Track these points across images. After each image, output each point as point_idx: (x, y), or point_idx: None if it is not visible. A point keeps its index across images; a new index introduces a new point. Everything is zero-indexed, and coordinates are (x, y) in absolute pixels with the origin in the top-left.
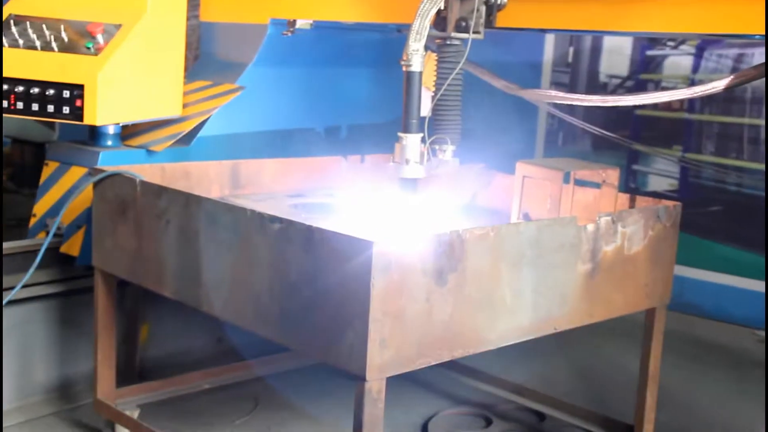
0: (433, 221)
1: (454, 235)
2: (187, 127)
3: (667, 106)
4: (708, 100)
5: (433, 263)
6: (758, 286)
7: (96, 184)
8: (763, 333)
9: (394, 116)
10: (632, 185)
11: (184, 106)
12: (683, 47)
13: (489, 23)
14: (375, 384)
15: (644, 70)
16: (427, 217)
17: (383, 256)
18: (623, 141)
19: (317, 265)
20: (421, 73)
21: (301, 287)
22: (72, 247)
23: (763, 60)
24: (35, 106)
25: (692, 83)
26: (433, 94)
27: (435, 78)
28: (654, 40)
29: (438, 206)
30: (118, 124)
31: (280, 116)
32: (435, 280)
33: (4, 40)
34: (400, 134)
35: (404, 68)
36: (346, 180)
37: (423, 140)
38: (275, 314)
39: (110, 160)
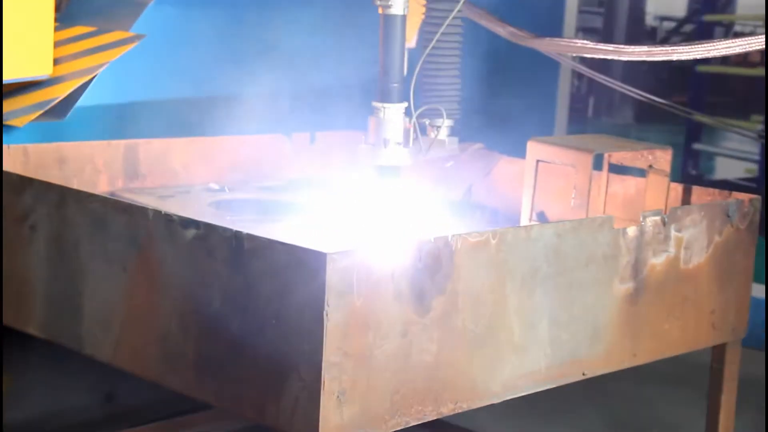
0: (415, 224)
1: (440, 242)
2: (60, 92)
3: (742, 59)
4: None
5: (411, 283)
6: None
7: None
8: None
9: (361, 78)
10: (692, 171)
11: (55, 62)
12: None
13: None
14: None
15: (710, 9)
16: (408, 218)
17: (342, 274)
18: (679, 110)
19: (249, 288)
20: (404, 17)
21: (226, 319)
22: None
23: None
24: None
25: None
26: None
27: (420, 28)
28: None
29: (422, 204)
30: None
31: (195, 78)
32: (414, 307)
33: None
34: (376, 104)
35: (380, 10)
36: (290, 167)
37: (408, 112)
38: (189, 358)
39: None
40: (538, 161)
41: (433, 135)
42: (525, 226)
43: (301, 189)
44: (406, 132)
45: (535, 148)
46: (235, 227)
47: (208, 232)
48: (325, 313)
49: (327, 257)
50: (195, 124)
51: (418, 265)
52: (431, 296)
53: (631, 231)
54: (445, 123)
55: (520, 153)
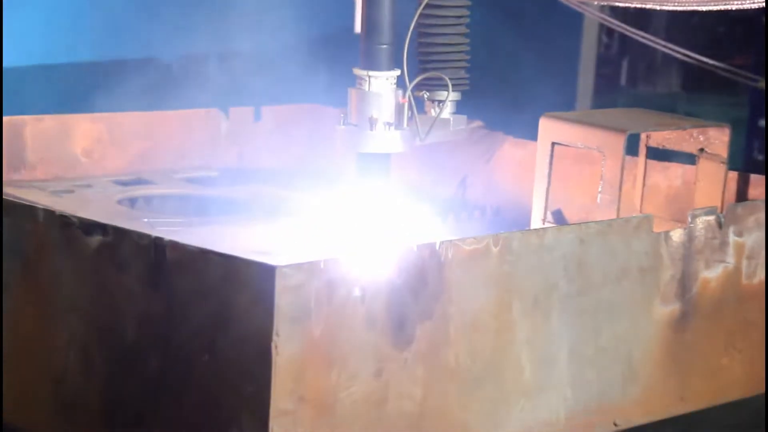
0: (393, 229)
1: (425, 252)
2: None
3: None
4: None
5: (388, 305)
6: None
7: None
8: None
9: (326, 34)
10: (758, 157)
11: None
12: None
13: None
14: None
15: None
16: (386, 221)
17: (296, 294)
18: (741, 75)
19: (173, 313)
20: None
21: (142, 354)
22: None
23: None
24: None
25: None
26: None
27: None
28: None
29: (402, 202)
30: None
31: (99, 37)
32: (392, 337)
33: None
34: (358, 72)
35: None
36: (228, 153)
37: (400, 82)
38: (93, 407)
39: None
40: (553, 144)
41: (433, 112)
42: (537, 230)
43: (242, 182)
44: (399, 109)
45: (550, 127)
46: (155, 232)
47: (118, 238)
48: (273, 345)
49: (276, 272)
50: (100, 96)
51: (396, 281)
52: (414, 323)
53: (677, 235)
54: (450, 96)
55: (531, 134)
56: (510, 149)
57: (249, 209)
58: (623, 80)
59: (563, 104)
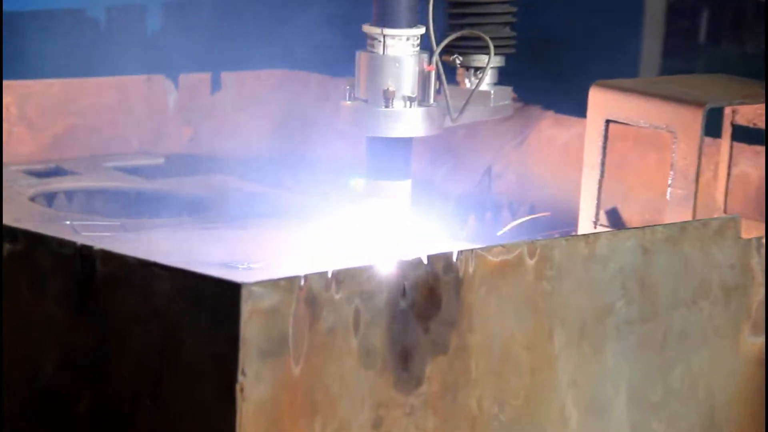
0: (396, 236)
1: (438, 265)
2: None
3: None
4: None
5: (389, 335)
6: None
7: None
8: None
9: None
10: None
11: None
12: None
13: None
14: None
15: None
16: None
17: (268, 321)
18: None
19: (106, 343)
20: None
21: (67, 397)
22: None
23: None
24: None
25: None
26: None
27: None
28: None
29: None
30: None
31: None
32: (395, 377)
33: None
34: (370, 29)
35: None
36: (175, 134)
37: (425, 43)
38: None
39: None
40: (608, 122)
41: (468, 83)
42: (586, 235)
43: (196, 172)
44: (423, 78)
45: (603, 100)
46: (81, 239)
47: (31, 247)
48: (238, 387)
49: (242, 290)
50: (5, 58)
51: (400, 304)
52: (424, 358)
53: None
54: (492, 62)
55: (578, 109)
56: (550, 129)
57: (206, 208)
58: (702, 37)
59: (622, 70)
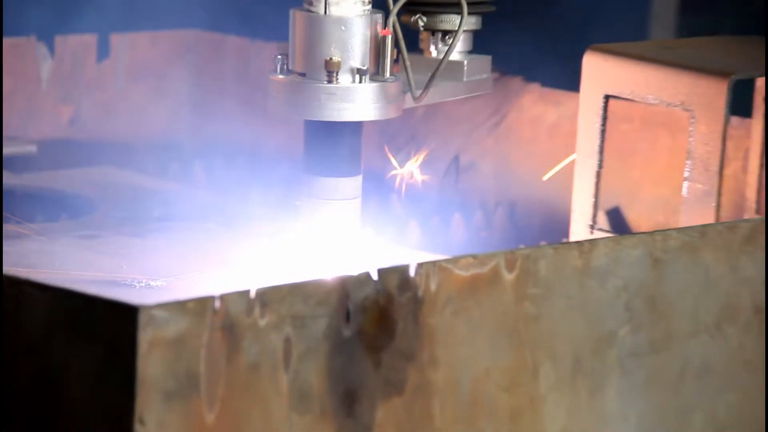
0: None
1: (393, 279)
2: None
3: None
4: None
5: (329, 372)
6: None
7: None
8: None
9: None
10: None
11: None
12: None
13: None
14: None
15: None
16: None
17: (174, 351)
18: None
19: None
20: None
21: None
22: None
23: None
24: None
25: None
26: None
27: None
28: None
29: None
30: None
31: None
32: (337, 424)
33: None
34: None
35: None
36: (52, 113)
37: (379, 2)
38: None
39: None
40: (607, 97)
41: (435, 51)
42: (580, 243)
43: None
44: (378, 45)
45: (600, 69)
46: None
47: None
48: None
49: (140, 315)
50: None
51: (343, 331)
52: (374, 401)
53: None
54: (465, 23)
55: (569, 80)
56: (534, 106)
57: (90, 210)
58: None
59: (625, 30)
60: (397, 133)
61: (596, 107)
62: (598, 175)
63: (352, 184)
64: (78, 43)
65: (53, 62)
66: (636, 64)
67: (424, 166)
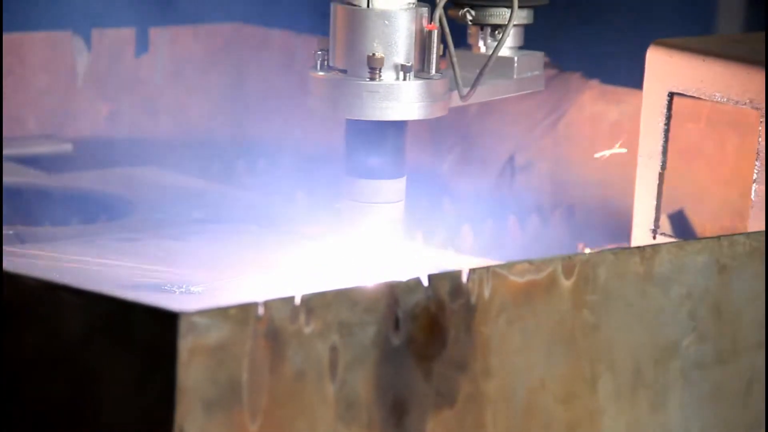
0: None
1: (442, 288)
2: None
3: None
4: None
5: (377, 382)
6: None
7: None
8: None
9: None
10: None
11: None
12: None
13: None
14: None
15: None
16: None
17: (216, 359)
18: None
19: None
20: None
21: None
22: None
23: None
24: None
25: None
26: None
27: None
28: None
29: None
30: None
31: None
32: None
33: None
34: None
35: None
36: (89, 110)
37: None
38: None
39: None
40: (671, 95)
41: (484, 47)
42: (642, 248)
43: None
44: (423, 40)
45: (665, 65)
46: None
47: None
48: None
49: (180, 322)
50: None
51: (392, 339)
52: (424, 412)
53: None
54: (515, 17)
55: (632, 77)
56: (594, 104)
57: (129, 212)
58: None
59: (694, 24)
60: (448, 131)
61: (660, 105)
62: (662, 176)
63: (396, 187)
64: (116, 37)
65: (90, 56)
66: (702, 60)
67: (477, 167)
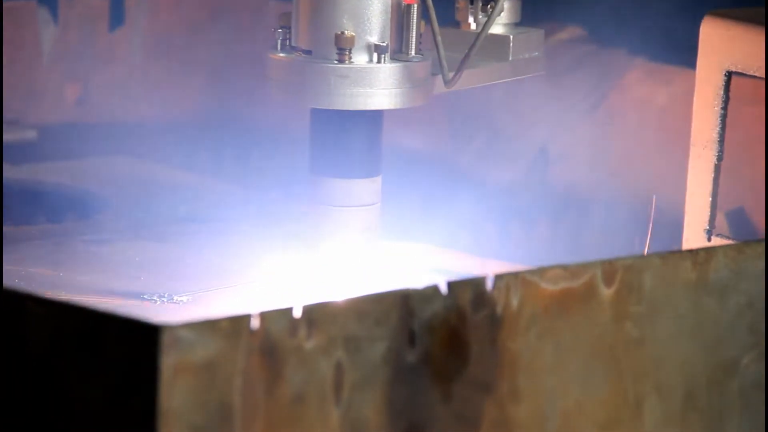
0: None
1: (464, 296)
2: None
3: None
4: None
5: (389, 403)
6: None
7: None
8: None
9: None
10: None
11: None
12: None
13: None
14: None
15: None
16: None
17: (204, 378)
18: None
19: None
20: None
21: None
22: None
23: None
24: None
25: None
26: None
27: None
28: None
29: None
30: None
31: None
32: None
33: None
34: None
35: None
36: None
37: None
38: None
39: None
40: (729, 74)
41: (474, 23)
42: (695, 251)
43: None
44: (401, 16)
45: (721, 39)
46: None
47: None
48: None
49: (163, 336)
50: None
51: (406, 356)
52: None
53: None
54: None
55: (683, 55)
56: (640, 85)
57: (100, 208)
58: None
59: None
60: (475, 118)
61: (716, 86)
62: (717, 169)
63: (370, 188)
64: (86, 8)
65: (57, 31)
66: (764, 34)
67: (504, 159)
